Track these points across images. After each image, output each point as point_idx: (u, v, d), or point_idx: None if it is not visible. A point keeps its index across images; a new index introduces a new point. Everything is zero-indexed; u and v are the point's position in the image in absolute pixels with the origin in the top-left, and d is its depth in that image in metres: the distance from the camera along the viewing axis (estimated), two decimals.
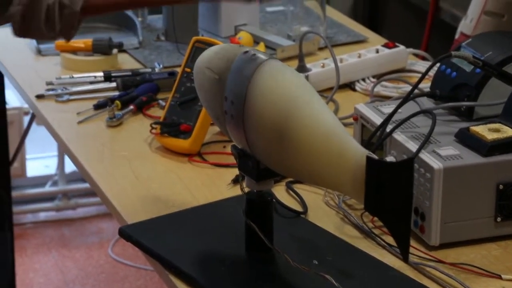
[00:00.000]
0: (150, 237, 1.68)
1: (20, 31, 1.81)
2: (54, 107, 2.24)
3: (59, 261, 3.81)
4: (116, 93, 2.25)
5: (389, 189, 1.34)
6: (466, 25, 2.49)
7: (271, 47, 2.38)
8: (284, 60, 2.21)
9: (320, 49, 2.42)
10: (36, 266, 3.78)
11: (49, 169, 4.31)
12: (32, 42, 2.59)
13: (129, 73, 2.35)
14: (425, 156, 1.58)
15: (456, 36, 2.53)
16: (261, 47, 2.36)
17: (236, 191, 1.73)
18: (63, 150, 2.39)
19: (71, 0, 1.73)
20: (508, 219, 1.63)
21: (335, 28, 2.63)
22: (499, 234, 1.65)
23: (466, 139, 1.68)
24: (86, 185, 3.70)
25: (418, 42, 3.01)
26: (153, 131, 2.04)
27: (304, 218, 1.74)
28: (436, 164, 1.56)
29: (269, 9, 2.71)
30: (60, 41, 2.46)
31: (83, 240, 4.00)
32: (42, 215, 4.21)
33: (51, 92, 2.26)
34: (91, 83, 2.33)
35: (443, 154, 1.59)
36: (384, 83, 2.24)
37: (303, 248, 1.63)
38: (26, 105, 3.55)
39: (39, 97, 2.26)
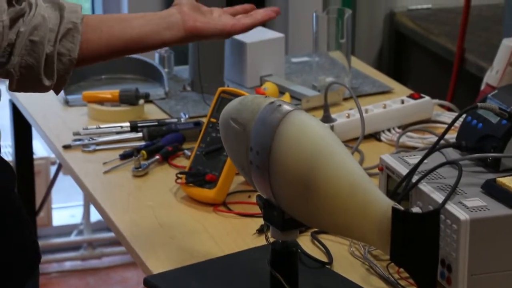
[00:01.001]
0: (175, 287, 1.66)
1: (18, 85, 1.74)
2: (80, 157, 2.24)
3: None
4: (142, 143, 2.25)
5: (415, 240, 1.32)
6: (491, 77, 2.47)
7: (296, 97, 2.38)
8: (309, 110, 2.22)
9: (345, 99, 2.42)
10: None
11: (74, 219, 4.33)
12: (60, 93, 2.57)
13: (155, 123, 2.36)
14: (451, 207, 1.55)
15: (482, 87, 2.50)
16: (286, 97, 2.35)
17: (261, 241, 1.71)
18: (89, 199, 2.40)
19: (69, 48, 1.69)
20: None
21: (360, 79, 2.62)
22: None
23: (492, 190, 1.65)
24: (111, 234, 3.69)
25: (443, 92, 2.99)
26: (179, 181, 2.03)
27: (329, 268, 1.71)
28: (462, 215, 1.53)
29: (294, 59, 2.72)
30: (88, 92, 2.47)
31: None
32: (68, 264, 4.20)
33: (78, 143, 2.27)
34: (118, 133, 2.34)
35: (469, 206, 1.57)
36: (409, 133, 2.22)
37: None
38: (53, 155, 3.55)
39: (66, 147, 2.26)
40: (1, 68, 1.65)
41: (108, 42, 1.73)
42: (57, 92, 1.79)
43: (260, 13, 1.97)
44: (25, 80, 1.70)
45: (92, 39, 1.68)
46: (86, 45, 1.69)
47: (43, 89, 1.73)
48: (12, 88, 1.74)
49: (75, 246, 4.19)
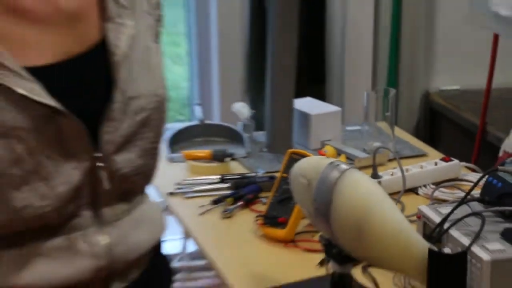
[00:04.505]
0: None
1: None
2: (181, 202, 2.26)
3: None
4: (229, 191, 2.26)
5: (447, 276, 1.32)
6: (509, 145, 2.44)
7: (350, 158, 2.37)
8: (360, 168, 2.16)
9: (390, 160, 2.40)
10: None
11: (176, 249, 4.31)
12: (166, 152, 2.58)
13: (239, 176, 2.36)
14: (476, 249, 1.53)
15: (500, 154, 2.46)
16: (343, 158, 2.34)
17: (322, 272, 1.69)
18: (188, 234, 2.38)
19: None
20: None
21: (401, 144, 2.60)
22: None
23: (510, 237, 1.61)
24: (204, 262, 3.64)
25: (469, 157, 2.95)
26: (257, 222, 2.03)
27: None
28: (485, 256, 1.51)
29: (348, 128, 2.70)
30: (187, 151, 2.47)
31: None
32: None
33: (179, 190, 2.28)
34: (210, 184, 2.34)
35: (490, 249, 1.55)
36: (441, 189, 2.20)
37: None
38: (160, 200, 3.53)
39: (171, 194, 2.28)
40: None
41: None
42: None
43: None
44: None
45: None
46: None
47: None
48: None
49: (177, 270, 4.26)
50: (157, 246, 1.55)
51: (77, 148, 1.27)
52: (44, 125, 1.23)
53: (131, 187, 1.39)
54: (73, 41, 1.31)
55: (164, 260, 1.65)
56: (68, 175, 1.27)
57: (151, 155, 1.42)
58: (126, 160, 1.34)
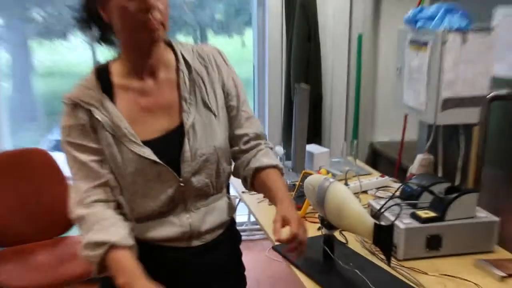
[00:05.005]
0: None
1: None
2: (248, 196, 2.25)
3: None
4: None
5: (383, 237, 1.42)
6: (412, 169, 2.29)
7: (334, 175, 2.43)
8: (339, 181, 2.18)
9: (354, 176, 2.42)
10: None
11: (245, 219, 3.87)
12: None
13: None
14: (397, 222, 1.68)
15: (408, 174, 2.34)
16: (330, 175, 2.18)
17: (319, 233, 1.79)
18: (251, 212, 2.36)
19: None
20: None
21: (359, 168, 2.59)
22: None
23: (414, 216, 1.71)
24: (258, 226, 3.42)
25: (393, 175, 2.86)
26: None
27: (347, 246, 1.76)
28: (402, 225, 1.66)
29: (333, 159, 2.72)
30: None
31: None
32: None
33: (247, 190, 1.91)
34: None
35: (404, 222, 1.69)
36: (379, 192, 2.25)
37: (345, 258, 1.63)
38: (236, 195, 2.80)
39: (243, 192, 2.27)
40: None
41: None
42: None
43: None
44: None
45: None
46: None
47: None
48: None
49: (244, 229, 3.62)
50: (225, 223, 1.43)
51: (168, 177, 1.29)
52: (150, 168, 1.27)
53: (202, 193, 1.35)
54: (169, 122, 1.31)
55: (233, 231, 1.49)
56: (165, 192, 1.30)
57: (214, 175, 1.36)
58: (199, 180, 1.33)
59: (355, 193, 2.17)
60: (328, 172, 2.45)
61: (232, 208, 1.44)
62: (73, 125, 1.24)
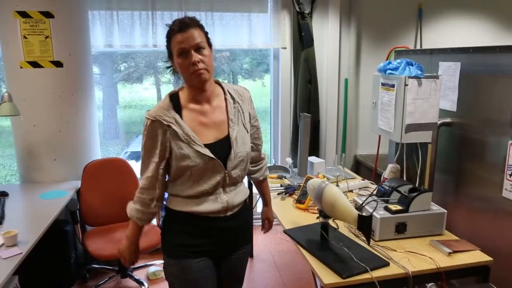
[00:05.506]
0: (292, 233, 1.62)
1: None
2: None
3: None
4: (284, 190, 2.15)
5: (365, 224, 1.39)
6: (385, 174, 2.16)
7: (328, 179, 2.37)
8: (332, 183, 2.24)
9: (343, 179, 2.35)
10: None
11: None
12: None
13: (288, 184, 2.22)
14: (375, 213, 1.65)
15: (382, 178, 2.20)
16: (325, 179, 2.33)
17: (317, 221, 1.78)
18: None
19: None
20: None
21: (346, 174, 2.52)
22: None
23: (387, 209, 1.67)
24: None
25: (370, 178, 2.74)
26: (294, 202, 1.99)
27: (338, 230, 1.68)
28: (378, 216, 1.63)
29: (327, 167, 2.65)
30: (269, 175, 2.37)
31: None
32: None
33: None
34: (277, 187, 2.19)
35: (380, 213, 1.65)
36: (361, 191, 2.20)
37: (337, 239, 1.59)
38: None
39: None
40: None
41: None
42: None
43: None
44: None
45: None
46: None
47: None
48: None
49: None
50: (245, 201, 1.42)
51: (219, 169, 1.29)
52: (208, 162, 1.27)
53: (236, 181, 1.34)
54: (219, 133, 1.31)
55: (247, 206, 1.45)
56: (215, 178, 1.29)
57: (243, 170, 1.36)
58: (235, 172, 1.33)
59: (344, 192, 2.24)
60: (324, 176, 2.45)
61: (247, 192, 1.43)
62: (149, 135, 1.26)
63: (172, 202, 1.31)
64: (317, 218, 1.70)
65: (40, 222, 1.79)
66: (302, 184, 2.13)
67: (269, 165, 2.64)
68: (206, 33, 1.26)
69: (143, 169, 1.30)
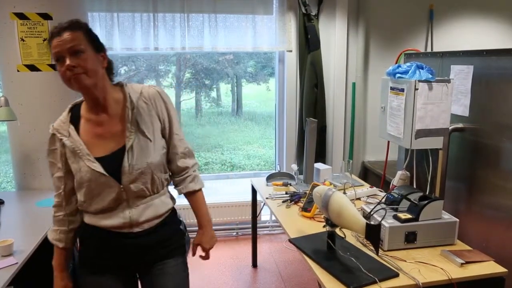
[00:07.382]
0: (297, 242, 1.61)
1: None
2: (271, 201, 2.17)
3: None
4: (289, 197, 2.17)
5: (372, 232, 1.39)
6: (394, 181, 2.15)
7: (335, 186, 2.39)
8: (339, 190, 2.22)
9: (350, 187, 2.37)
10: None
11: (267, 219, 3.33)
12: (265, 182, 2.42)
13: (293, 192, 2.22)
14: (383, 222, 1.64)
15: (391, 186, 2.19)
16: (332, 186, 2.34)
17: (324, 230, 1.77)
18: (272, 213, 2.16)
19: None
20: None
21: (354, 181, 2.52)
22: None
23: (396, 218, 1.66)
24: (279, 224, 3.04)
25: (378, 186, 2.74)
26: (300, 210, 2.00)
27: (345, 239, 1.70)
28: (387, 224, 1.62)
29: (334, 174, 2.65)
30: (273, 181, 2.34)
31: None
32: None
33: (270, 196, 2.17)
34: (281, 195, 2.19)
35: (388, 222, 1.64)
36: (369, 199, 2.21)
37: (344, 249, 1.60)
38: (260, 199, 2.94)
39: (267, 198, 2.18)
40: None
41: None
42: None
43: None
44: None
45: None
46: None
47: None
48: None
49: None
50: (163, 215, 1.33)
51: (112, 184, 1.25)
52: (99, 177, 1.24)
53: (140, 195, 1.29)
54: (116, 144, 1.26)
55: (173, 222, 1.37)
56: (110, 194, 1.26)
57: (149, 182, 1.29)
58: (136, 186, 1.27)
59: (351, 200, 2.23)
60: (331, 184, 2.45)
61: (165, 205, 1.35)
62: (50, 150, 1.28)
63: (84, 215, 1.32)
64: (324, 226, 1.64)
65: (36, 230, 1.79)
66: (308, 192, 2.12)
67: (273, 171, 2.65)
68: (91, 36, 1.21)
69: (53, 186, 1.32)
